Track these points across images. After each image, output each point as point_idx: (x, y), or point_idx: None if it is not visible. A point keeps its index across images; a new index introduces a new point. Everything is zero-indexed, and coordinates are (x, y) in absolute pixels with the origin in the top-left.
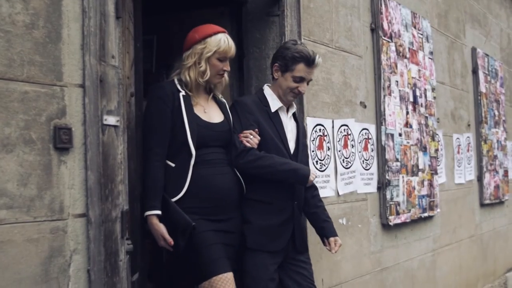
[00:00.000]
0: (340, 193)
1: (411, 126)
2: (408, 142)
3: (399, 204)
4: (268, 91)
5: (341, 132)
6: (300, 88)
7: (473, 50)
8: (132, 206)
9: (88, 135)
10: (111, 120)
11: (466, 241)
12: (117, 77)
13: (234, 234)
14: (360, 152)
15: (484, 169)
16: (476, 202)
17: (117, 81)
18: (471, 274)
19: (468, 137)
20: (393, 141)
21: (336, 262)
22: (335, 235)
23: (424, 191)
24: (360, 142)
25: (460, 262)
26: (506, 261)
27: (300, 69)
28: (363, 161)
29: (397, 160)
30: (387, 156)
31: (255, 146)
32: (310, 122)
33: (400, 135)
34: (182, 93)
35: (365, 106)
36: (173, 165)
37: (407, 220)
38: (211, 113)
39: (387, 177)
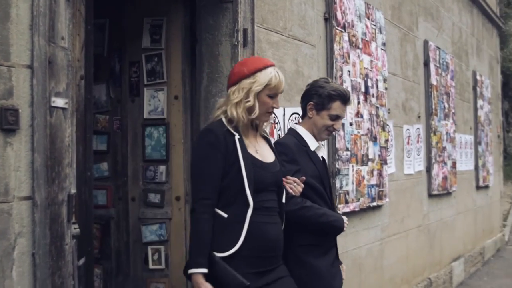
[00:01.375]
0: None
1: (362, 116)
2: (358, 132)
3: (348, 193)
4: (302, 131)
5: (292, 120)
6: (336, 125)
7: (425, 42)
8: (80, 190)
9: (35, 117)
10: (59, 102)
11: (413, 231)
12: (67, 59)
13: (278, 281)
14: None
15: (433, 160)
16: (424, 192)
17: (66, 63)
18: (418, 263)
19: (418, 128)
20: (343, 130)
21: None
22: (341, 262)
23: (373, 181)
24: None
25: (407, 251)
26: (452, 251)
27: (336, 107)
28: None
29: (347, 149)
30: (337, 145)
31: (298, 194)
32: None
33: (351, 124)
34: (237, 136)
35: None
36: (225, 215)
37: (356, 209)
38: (263, 152)
39: (337, 166)
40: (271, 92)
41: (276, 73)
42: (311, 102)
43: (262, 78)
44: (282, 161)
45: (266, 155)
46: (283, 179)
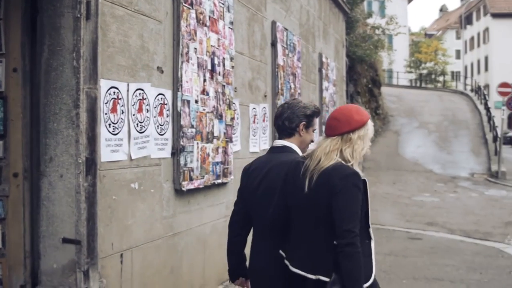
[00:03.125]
0: (132, 157)
1: (208, 94)
2: (204, 109)
3: (192, 170)
4: (297, 148)
5: (136, 96)
6: (313, 138)
7: (273, 23)
8: None
9: None
10: None
11: None
12: None
13: None
14: (155, 117)
15: None
16: None
17: None
18: None
19: (264, 107)
20: (189, 107)
21: (127, 226)
22: None
23: (219, 158)
24: (155, 107)
25: None
26: None
27: (315, 122)
28: (157, 126)
29: (192, 126)
30: (182, 122)
31: None
32: (104, 85)
33: (196, 102)
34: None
35: (162, 72)
36: None
37: (201, 186)
38: None
39: (181, 143)
40: (370, 139)
41: None
42: (303, 123)
43: (371, 127)
44: None
45: None
46: None
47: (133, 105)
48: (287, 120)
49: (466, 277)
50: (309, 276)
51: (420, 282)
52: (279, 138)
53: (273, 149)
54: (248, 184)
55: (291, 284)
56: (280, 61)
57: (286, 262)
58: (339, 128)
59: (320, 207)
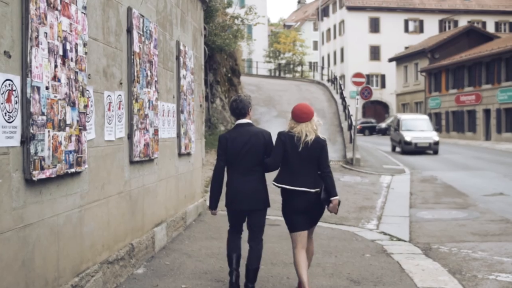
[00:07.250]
0: None
1: (59, 80)
2: (55, 96)
3: (44, 159)
4: (251, 122)
5: None
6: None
7: (129, 9)
8: None
9: None
10: None
11: (114, 197)
12: None
13: None
14: (2, 103)
15: (135, 127)
16: (126, 159)
17: None
18: (120, 230)
19: (119, 95)
20: (39, 94)
21: None
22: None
23: (72, 147)
24: (3, 94)
25: (109, 218)
26: (154, 217)
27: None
28: (5, 113)
29: (43, 114)
30: (32, 110)
31: None
32: None
33: (47, 88)
34: None
35: (9, 56)
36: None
37: (53, 176)
38: None
39: (31, 131)
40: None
41: None
42: (249, 107)
43: None
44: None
45: None
46: None
47: None
48: (242, 109)
49: (322, 261)
50: (311, 190)
51: (277, 267)
52: (239, 119)
53: (242, 125)
54: (234, 146)
55: (290, 197)
56: (136, 48)
57: (286, 186)
58: (309, 117)
59: (314, 156)
